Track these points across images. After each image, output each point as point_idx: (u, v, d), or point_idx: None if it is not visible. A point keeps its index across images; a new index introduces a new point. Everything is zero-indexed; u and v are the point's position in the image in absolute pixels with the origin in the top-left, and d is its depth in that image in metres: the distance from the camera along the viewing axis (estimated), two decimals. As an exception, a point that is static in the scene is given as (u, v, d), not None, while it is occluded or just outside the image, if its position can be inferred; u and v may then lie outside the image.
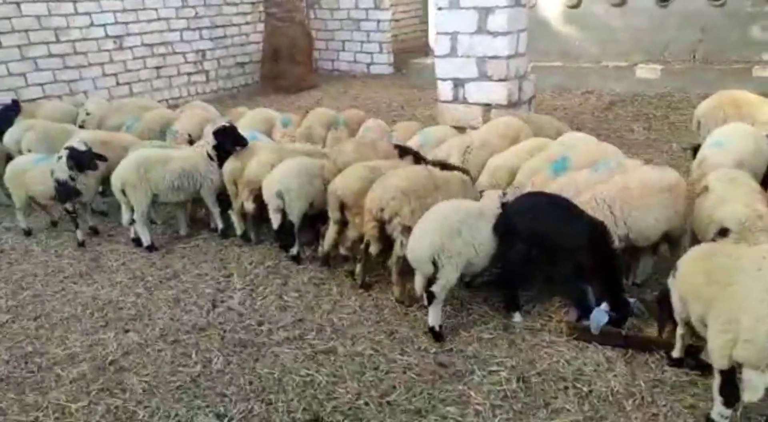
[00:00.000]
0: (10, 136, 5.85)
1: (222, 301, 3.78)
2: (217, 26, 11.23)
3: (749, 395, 2.33)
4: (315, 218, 4.19)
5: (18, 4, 8.45)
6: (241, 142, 4.45)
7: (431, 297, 3.09)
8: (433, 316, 3.15)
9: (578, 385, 2.77)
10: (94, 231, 4.94)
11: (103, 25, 9.53)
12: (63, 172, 4.41)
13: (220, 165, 4.50)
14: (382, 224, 3.41)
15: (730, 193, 3.13)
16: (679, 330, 2.76)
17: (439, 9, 5.37)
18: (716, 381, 2.42)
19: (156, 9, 10.21)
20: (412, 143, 4.56)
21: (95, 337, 3.46)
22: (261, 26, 11.89)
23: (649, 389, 2.72)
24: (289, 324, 3.46)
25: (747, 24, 8.08)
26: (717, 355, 2.38)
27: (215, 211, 4.62)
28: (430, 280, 3.10)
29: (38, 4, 8.67)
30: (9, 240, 4.98)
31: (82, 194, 4.59)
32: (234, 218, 4.52)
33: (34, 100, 8.30)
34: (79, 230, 4.68)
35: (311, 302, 3.69)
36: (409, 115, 8.67)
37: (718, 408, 2.45)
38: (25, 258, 4.62)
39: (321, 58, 12.69)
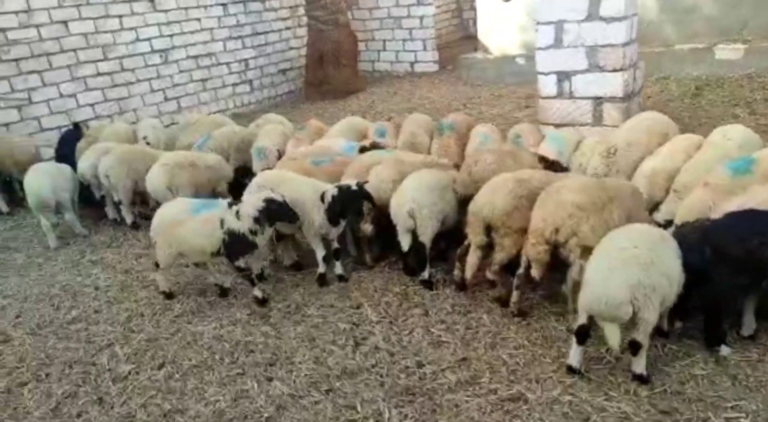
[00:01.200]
0: (85, 160, 5.56)
1: (363, 338, 3.38)
2: (258, 33, 10.91)
3: None
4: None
5: (66, 23, 8.18)
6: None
7: (637, 347, 2.63)
8: (640, 364, 2.70)
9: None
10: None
11: (149, 39, 9.24)
12: (241, 224, 3.69)
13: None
14: (554, 246, 2.97)
15: None
16: None
17: (542, -4, 4.91)
18: None
19: (199, 19, 9.91)
20: (545, 150, 4.09)
21: (236, 389, 3.08)
22: (301, 31, 11.54)
23: None
24: (453, 364, 3.04)
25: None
26: None
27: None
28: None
29: (86, 21, 8.39)
30: (100, 275, 4.65)
31: (257, 249, 3.82)
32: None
33: (85, 121, 8.02)
34: (257, 288, 3.85)
35: (466, 336, 3.28)
36: (475, 113, 8.22)
37: None
38: (124, 295, 4.28)
39: (360, 59, 12.30)
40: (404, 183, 3.67)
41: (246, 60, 10.76)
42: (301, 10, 11.34)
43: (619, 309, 2.53)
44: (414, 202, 3.53)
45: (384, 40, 12.44)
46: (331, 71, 10.71)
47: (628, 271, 2.55)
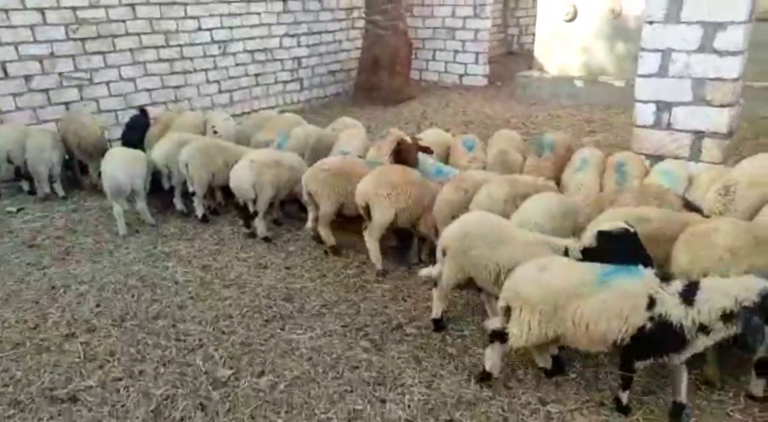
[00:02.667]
0: (159, 149, 5.45)
1: (474, 365, 3.23)
2: (313, 33, 10.83)
3: None
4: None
5: (133, 6, 8.11)
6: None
7: None
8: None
9: None
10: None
11: (210, 30, 9.17)
12: (690, 314, 2.50)
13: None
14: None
15: None
16: None
17: (650, 23, 4.77)
18: None
19: (259, 14, 9.84)
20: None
21: (347, 407, 2.94)
22: (354, 34, 11.47)
23: None
24: (580, 406, 2.90)
25: None
26: None
27: None
28: None
29: (152, 6, 8.32)
30: (177, 269, 4.53)
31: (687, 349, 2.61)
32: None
33: (143, 106, 7.92)
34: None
35: (585, 373, 3.13)
36: (536, 134, 8.07)
37: None
38: (206, 293, 4.16)
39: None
40: (527, 204, 3.52)
41: (299, 58, 10.69)
42: (357, 13, 11.27)
43: None
44: (536, 226, 3.39)
45: (434, 50, 12.37)
46: (384, 77, 10.62)
47: None
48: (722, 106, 4.68)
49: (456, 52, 12.10)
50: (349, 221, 4.65)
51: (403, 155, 4.50)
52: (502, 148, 4.94)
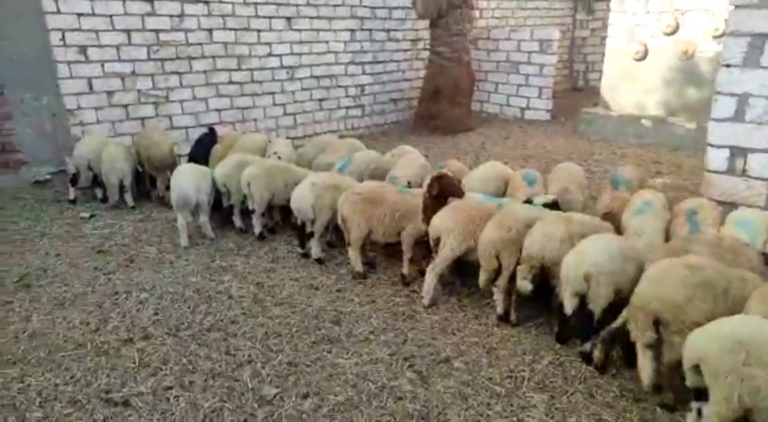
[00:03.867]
0: (222, 168, 5.66)
1: (522, 407, 3.13)
2: (378, 62, 11.07)
3: None
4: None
5: (211, 31, 8.57)
6: None
7: None
8: None
9: None
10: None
11: (280, 56, 9.55)
12: None
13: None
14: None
15: None
16: None
17: (727, 66, 4.61)
18: None
19: (327, 42, 10.17)
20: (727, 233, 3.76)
21: (390, 438, 2.90)
22: (417, 64, 11.65)
23: None
24: None
25: None
26: None
27: None
28: None
29: (228, 31, 8.76)
30: (232, 284, 4.65)
31: None
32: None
33: (213, 125, 8.25)
34: None
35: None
36: (601, 172, 7.89)
37: None
38: (258, 309, 4.24)
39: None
40: (585, 243, 3.42)
41: (362, 85, 10.94)
42: (422, 44, 11.47)
43: None
44: (594, 266, 3.28)
45: (497, 83, 12.37)
46: (444, 107, 10.70)
47: None
48: (803, 154, 4.43)
49: (519, 85, 12.06)
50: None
51: (446, 189, 4.29)
52: (564, 185, 4.84)
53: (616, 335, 3.26)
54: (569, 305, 3.46)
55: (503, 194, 5.09)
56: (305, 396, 3.23)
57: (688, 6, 9.23)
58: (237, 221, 5.76)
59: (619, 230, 4.20)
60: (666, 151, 8.79)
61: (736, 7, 4.59)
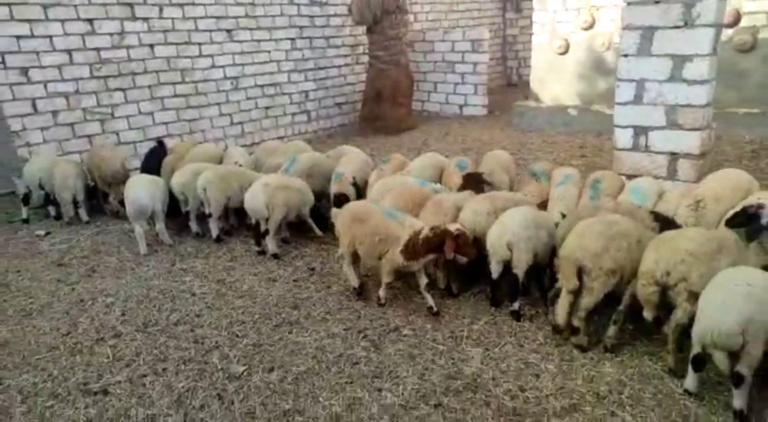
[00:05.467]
0: (178, 178, 5.92)
1: (462, 360, 3.60)
2: (320, 68, 11.46)
3: None
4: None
5: (152, 46, 8.76)
6: None
7: (740, 379, 2.82)
8: (741, 399, 2.87)
9: None
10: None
11: (222, 67, 9.81)
12: None
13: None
14: (663, 289, 3.20)
15: None
16: None
17: (625, 56, 5.26)
18: None
19: (269, 52, 10.50)
20: (625, 199, 4.37)
21: (348, 396, 3.30)
22: (358, 68, 12.10)
23: None
24: (554, 392, 3.25)
25: None
26: None
27: None
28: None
29: (169, 46, 8.97)
30: (194, 283, 4.94)
31: None
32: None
33: (161, 138, 8.44)
34: None
35: (562, 366, 3.48)
36: (532, 158, 8.52)
37: None
38: (221, 302, 4.56)
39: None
40: (505, 215, 3.94)
41: (306, 92, 11.30)
42: (361, 49, 11.92)
43: (731, 339, 2.74)
44: (514, 235, 3.79)
45: (436, 83, 12.95)
46: (386, 108, 11.17)
47: (743, 306, 2.75)
48: (693, 129, 5.10)
49: (456, 84, 12.67)
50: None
51: (461, 247, 3.99)
52: (490, 168, 5.38)
53: (625, 314, 3.55)
54: (495, 271, 3.98)
55: (439, 180, 5.58)
56: (270, 370, 3.59)
57: (602, 2, 10.04)
58: (194, 226, 6.03)
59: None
60: (591, 136, 9.54)
61: (629, 3, 5.24)
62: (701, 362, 2.96)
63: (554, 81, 10.88)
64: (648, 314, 3.29)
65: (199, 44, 9.40)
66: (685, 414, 2.99)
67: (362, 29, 11.33)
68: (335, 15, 11.42)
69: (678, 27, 4.95)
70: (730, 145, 8.21)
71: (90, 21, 7.95)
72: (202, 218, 5.91)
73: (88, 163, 6.91)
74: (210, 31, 9.47)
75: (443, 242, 3.86)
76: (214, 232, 5.80)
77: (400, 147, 10.00)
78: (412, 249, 3.94)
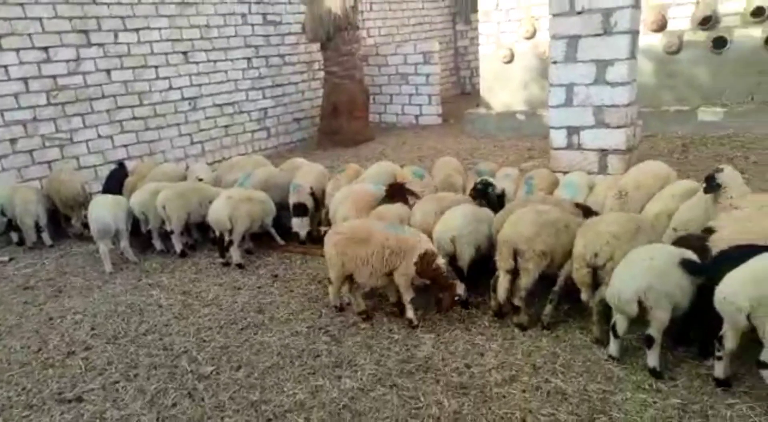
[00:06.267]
0: (137, 196, 6.10)
1: (415, 346, 3.91)
2: (277, 85, 11.75)
3: None
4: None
5: (109, 71, 8.91)
6: None
7: (650, 341, 3.26)
8: (654, 358, 3.30)
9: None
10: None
11: (180, 88, 10.00)
12: None
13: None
14: (594, 269, 3.60)
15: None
16: None
17: (554, 63, 5.73)
18: None
19: (225, 71, 10.74)
20: (561, 194, 4.80)
21: (311, 384, 3.57)
22: (315, 84, 12.44)
23: None
24: (497, 366, 3.59)
25: (806, 67, 8.51)
26: None
27: None
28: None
29: (126, 70, 9.13)
30: (161, 296, 5.14)
31: None
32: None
33: (122, 160, 8.58)
34: None
35: (504, 344, 3.84)
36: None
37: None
38: (188, 312, 4.77)
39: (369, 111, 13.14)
40: (447, 214, 4.30)
41: (265, 109, 11.57)
42: (317, 65, 12.27)
43: (628, 305, 3.21)
44: (456, 230, 4.15)
45: (391, 95, 13.39)
46: (344, 122, 11.52)
47: (641, 277, 3.18)
48: (619, 127, 5.59)
49: (410, 95, 13.14)
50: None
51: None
52: (447, 173, 5.78)
53: (559, 294, 3.95)
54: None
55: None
56: (238, 368, 3.84)
57: (541, 13, 10.65)
58: (157, 244, 6.22)
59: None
60: (538, 139, 10.06)
61: (554, 15, 5.73)
62: (616, 329, 3.36)
63: (502, 88, 11.45)
64: (585, 295, 3.68)
65: (156, 67, 9.58)
66: (609, 377, 3.37)
67: (317, 46, 11.68)
68: (289, 33, 11.76)
69: (599, 35, 5.45)
70: (664, 141, 8.83)
71: (45, 49, 8.07)
72: (166, 235, 6.09)
73: (47, 188, 7.02)
74: (166, 53, 9.67)
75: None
76: (178, 248, 5.99)
77: (359, 158, 10.34)
78: (424, 268, 3.94)
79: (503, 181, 5.28)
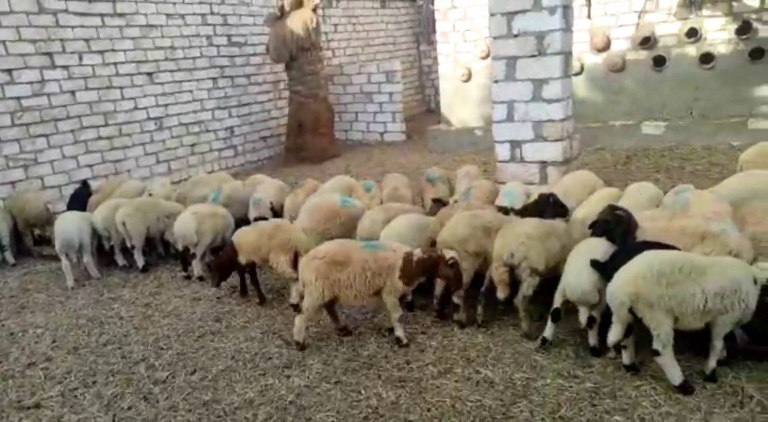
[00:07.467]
0: (99, 213, 6.28)
1: (361, 346, 4.18)
2: (244, 105, 12.03)
3: None
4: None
5: (74, 92, 9.08)
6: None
7: (592, 321, 3.65)
8: (594, 337, 3.71)
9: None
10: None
11: (146, 108, 10.20)
12: None
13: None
14: (511, 268, 3.93)
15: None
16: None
17: (496, 82, 6.14)
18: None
19: (191, 91, 10.97)
20: (501, 202, 5.17)
21: (261, 384, 3.80)
22: (281, 103, 12.75)
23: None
24: (434, 360, 3.88)
25: (736, 83, 9.15)
26: None
27: None
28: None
29: (91, 91, 9.31)
30: (121, 309, 5.31)
31: None
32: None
33: (86, 180, 8.70)
34: None
35: (443, 342, 4.13)
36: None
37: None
38: (148, 323, 4.96)
39: (335, 129, 13.50)
40: (393, 222, 4.62)
41: (231, 127, 11.82)
42: (282, 85, 12.59)
43: (590, 296, 3.55)
44: (399, 236, 4.47)
45: (356, 113, 13.76)
46: (309, 139, 11.82)
47: (592, 271, 3.56)
48: (556, 140, 6.01)
49: (375, 113, 13.53)
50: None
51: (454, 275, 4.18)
52: (394, 186, 6.12)
53: (485, 294, 4.24)
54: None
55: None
56: (193, 372, 4.05)
57: (496, 33, 11.16)
58: (119, 260, 6.39)
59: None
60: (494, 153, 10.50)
61: (494, 38, 6.15)
62: (558, 315, 3.73)
63: (461, 105, 11.91)
64: (501, 293, 4.00)
65: (121, 88, 9.78)
66: (533, 366, 3.69)
67: (282, 66, 12.00)
68: (254, 54, 12.07)
69: (534, 56, 5.88)
70: (610, 153, 9.35)
71: (9, 71, 8.21)
72: (129, 251, 6.26)
73: (10, 206, 7.13)
74: (131, 74, 9.88)
75: (436, 265, 3.96)
76: (140, 263, 6.17)
77: (324, 173, 10.59)
78: (409, 272, 3.92)
79: (463, 179, 5.66)
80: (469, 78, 11.72)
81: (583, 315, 3.65)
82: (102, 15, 9.30)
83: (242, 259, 4.96)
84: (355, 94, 13.63)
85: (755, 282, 3.20)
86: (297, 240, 4.86)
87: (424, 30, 17.31)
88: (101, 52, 9.35)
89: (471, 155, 10.84)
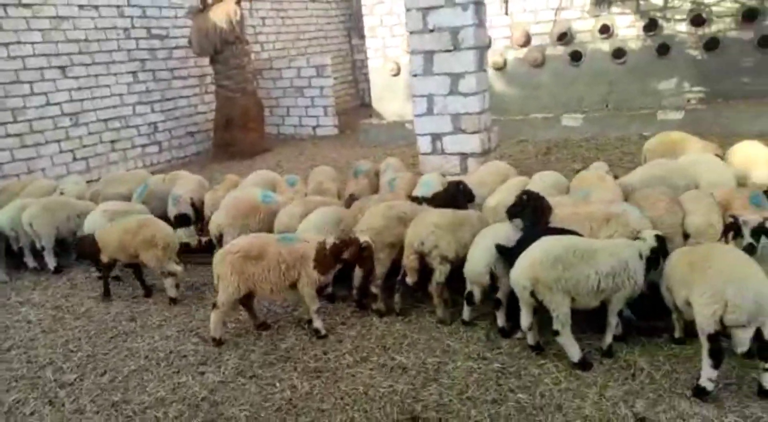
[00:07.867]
0: (4, 214, 5.94)
1: (280, 339, 4.17)
2: (168, 99, 11.65)
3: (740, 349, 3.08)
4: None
5: (-24, 87, 8.51)
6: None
7: (499, 303, 3.81)
8: (502, 319, 3.87)
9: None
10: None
11: (59, 104, 9.70)
12: None
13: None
14: (421, 256, 4.04)
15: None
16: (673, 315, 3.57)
17: (414, 76, 6.26)
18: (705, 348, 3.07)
19: (109, 86, 10.53)
20: (419, 192, 5.28)
21: (174, 382, 3.73)
22: (208, 98, 12.45)
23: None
24: (351, 350, 3.92)
25: (646, 77, 9.73)
26: (705, 323, 3.09)
27: None
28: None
29: (-5, 86, 8.76)
30: (30, 312, 5.06)
31: None
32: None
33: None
34: None
35: (362, 331, 4.19)
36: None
37: (707, 373, 3.08)
38: (58, 326, 4.75)
39: (266, 123, 13.35)
40: (310, 216, 4.63)
41: (155, 123, 11.42)
42: (209, 79, 12.28)
43: (481, 277, 3.74)
44: (315, 229, 4.48)
45: (288, 107, 13.62)
46: (238, 134, 11.60)
47: (488, 254, 3.74)
48: (473, 132, 6.20)
49: (307, 107, 13.42)
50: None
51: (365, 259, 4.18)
52: (319, 181, 6.12)
53: (402, 283, 4.26)
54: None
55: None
56: (103, 374, 3.92)
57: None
58: (30, 262, 6.06)
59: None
60: (423, 146, 10.68)
61: (411, 32, 6.26)
62: (472, 297, 3.89)
63: (391, 99, 12.04)
64: (410, 280, 4.11)
65: (30, 82, 9.26)
66: (446, 350, 3.81)
67: (207, 60, 11.69)
68: (177, 47, 11.70)
69: (449, 50, 6.04)
70: (532, 145, 9.71)
71: None
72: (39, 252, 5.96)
73: None
74: (41, 68, 9.36)
75: (351, 251, 3.99)
76: (51, 264, 5.89)
77: (254, 169, 10.38)
78: (323, 260, 3.95)
79: (387, 171, 5.72)
80: (398, 72, 11.85)
81: (476, 295, 3.89)
82: (4, 5, 8.74)
83: (104, 258, 4.98)
84: (285, 89, 13.48)
85: (641, 257, 3.44)
86: (163, 235, 4.85)
87: (355, 24, 17.32)
88: (5, 45, 8.81)
89: (402, 148, 10.95)
